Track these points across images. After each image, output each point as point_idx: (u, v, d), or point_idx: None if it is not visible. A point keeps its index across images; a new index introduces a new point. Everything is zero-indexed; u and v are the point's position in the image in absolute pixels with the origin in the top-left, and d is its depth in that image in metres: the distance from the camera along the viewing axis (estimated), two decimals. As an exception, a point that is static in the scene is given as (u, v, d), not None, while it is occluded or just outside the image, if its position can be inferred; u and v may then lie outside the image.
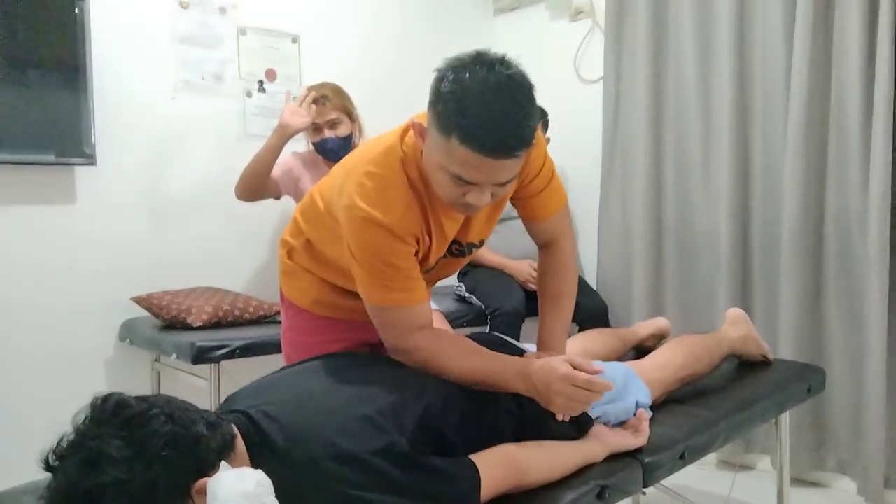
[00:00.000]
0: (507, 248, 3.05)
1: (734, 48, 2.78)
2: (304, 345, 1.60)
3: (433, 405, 1.26)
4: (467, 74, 1.16)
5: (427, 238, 1.39)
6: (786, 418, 2.07)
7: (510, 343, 1.67)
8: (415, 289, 1.38)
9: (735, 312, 2.10)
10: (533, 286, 2.98)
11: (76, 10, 2.42)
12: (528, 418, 1.38)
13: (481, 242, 1.54)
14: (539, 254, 1.66)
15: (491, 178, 1.21)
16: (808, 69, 2.54)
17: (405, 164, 1.35)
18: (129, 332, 2.58)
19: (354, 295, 1.50)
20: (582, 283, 3.15)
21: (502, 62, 1.19)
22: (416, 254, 1.39)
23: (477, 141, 1.15)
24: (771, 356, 2.13)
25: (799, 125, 2.56)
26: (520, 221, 3.06)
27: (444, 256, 1.50)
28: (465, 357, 1.36)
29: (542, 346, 1.59)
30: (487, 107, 1.14)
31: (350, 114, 2.70)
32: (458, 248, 1.50)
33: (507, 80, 1.16)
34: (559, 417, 1.30)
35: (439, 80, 1.21)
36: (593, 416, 1.50)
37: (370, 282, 1.37)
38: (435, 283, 1.62)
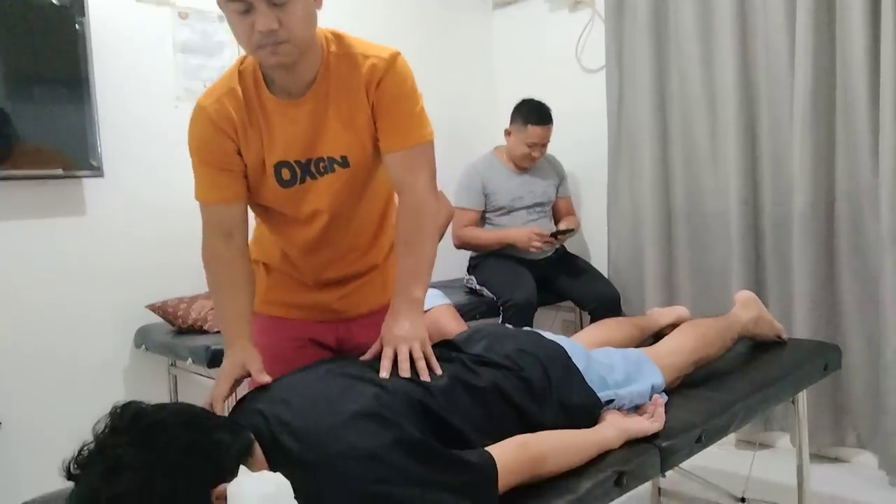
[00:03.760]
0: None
1: (736, 30, 2.76)
2: (258, 345, 1.46)
3: (437, 396, 1.27)
4: None
5: (255, 134, 1.43)
6: (803, 396, 2.06)
7: (532, 332, 1.66)
8: (229, 187, 1.45)
9: (745, 294, 2.09)
10: (535, 249, 2.99)
11: (76, 26, 2.44)
12: (529, 405, 1.38)
13: (344, 159, 1.47)
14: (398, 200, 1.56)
15: None
16: (813, 47, 2.52)
17: (242, 73, 1.44)
18: (144, 339, 2.61)
19: (300, 288, 1.61)
20: (593, 271, 3.17)
21: None
22: (240, 153, 1.44)
23: None
24: (785, 336, 2.12)
25: (805, 105, 2.55)
26: (526, 212, 3.10)
27: (309, 174, 1.46)
28: (222, 283, 1.47)
29: (396, 294, 1.46)
30: None
31: None
32: (323, 165, 1.47)
33: None
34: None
35: None
36: (605, 400, 1.50)
37: (195, 178, 1.47)
38: (318, 211, 1.52)
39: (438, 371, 1.35)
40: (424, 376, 1.32)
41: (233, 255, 1.48)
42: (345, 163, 1.47)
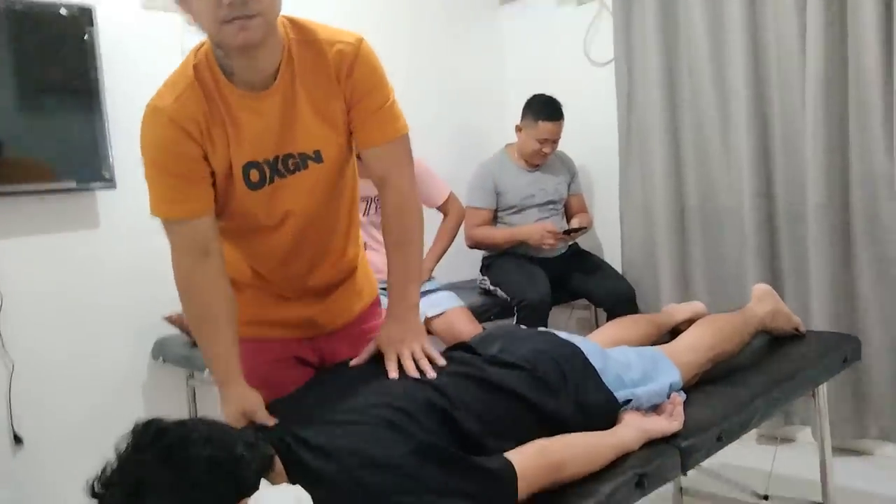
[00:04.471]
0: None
1: (746, 20, 2.74)
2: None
3: (452, 398, 1.26)
4: None
5: (220, 134, 1.31)
6: (823, 390, 2.04)
7: (548, 332, 1.66)
8: (198, 197, 1.32)
9: (761, 288, 2.07)
10: (547, 246, 2.98)
11: (85, 36, 2.45)
12: (547, 406, 1.37)
13: (317, 154, 1.38)
14: (380, 196, 1.51)
15: None
16: (823, 36, 2.49)
17: (197, 66, 1.31)
18: (161, 351, 2.63)
19: (278, 302, 1.52)
20: (607, 268, 3.15)
21: None
22: (207, 157, 1.32)
23: None
24: (803, 329, 2.10)
25: (817, 93, 2.52)
26: (538, 209, 3.09)
27: (278, 173, 1.36)
28: (204, 317, 1.36)
29: (392, 299, 1.45)
30: None
31: None
32: (294, 162, 1.37)
33: None
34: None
35: None
36: (622, 400, 1.49)
37: (152, 190, 1.33)
38: (290, 213, 1.42)
39: (441, 362, 1.37)
40: (430, 373, 1.33)
41: (212, 281, 1.35)
42: (318, 158, 1.38)
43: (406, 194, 1.45)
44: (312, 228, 1.45)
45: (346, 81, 1.34)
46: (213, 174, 1.34)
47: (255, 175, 1.35)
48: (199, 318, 1.37)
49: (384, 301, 1.52)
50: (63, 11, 2.42)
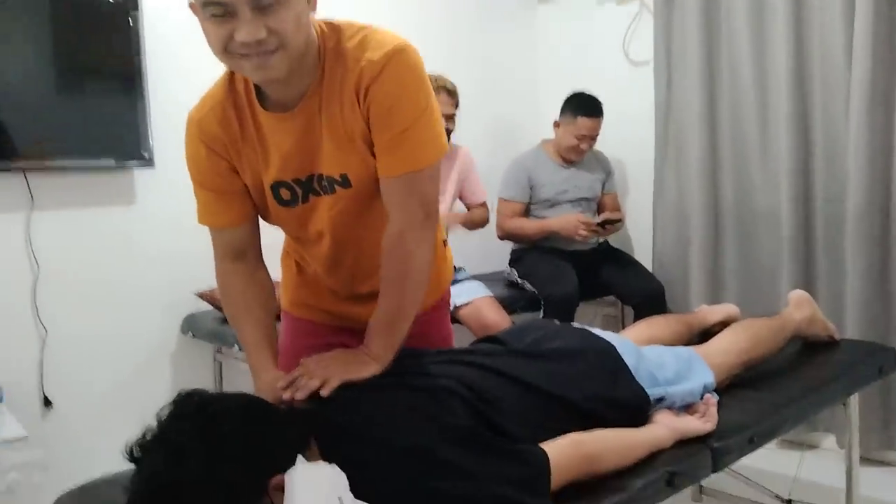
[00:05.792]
0: None
1: (790, 21, 2.70)
2: (282, 347, 1.43)
3: (477, 394, 1.26)
4: None
5: (249, 150, 1.28)
6: (855, 399, 2.02)
7: (582, 329, 1.65)
8: (231, 209, 1.35)
9: (799, 294, 2.05)
10: (580, 237, 2.97)
11: (129, 20, 2.48)
12: (576, 400, 1.36)
13: (344, 178, 1.27)
14: None
15: None
16: (872, 37, 2.45)
17: (233, 78, 1.29)
18: (191, 326, 2.66)
19: (332, 297, 1.48)
20: (637, 266, 3.14)
21: None
22: (237, 171, 1.31)
23: None
24: (837, 336, 2.08)
25: (862, 98, 2.48)
26: (570, 205, 3.08)
27: (313, 191, 1.31)
28: (239, 310, 1.39)
29: (366, 337, 1.32)
30: None
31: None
32: (320, 184, 1.30)
33: None
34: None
35: None
36: (654, 398, 1.48)
37: (196, 199, 1.38)
38: (322, 233, 1.37)
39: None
40: (298, 395, 1.21)
41: (245, 281, 1.39)
42: (345, 182, 1.28)
43: (394, 236, 1.28)
44: (353, 246, 1.39)
45: (365, 103, 1.20)
46: (246, 186, 1.34)
47: (285, 193, 1.32)
48: (236, 311, 1.41)
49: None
50: (109, -3, 2.45)
